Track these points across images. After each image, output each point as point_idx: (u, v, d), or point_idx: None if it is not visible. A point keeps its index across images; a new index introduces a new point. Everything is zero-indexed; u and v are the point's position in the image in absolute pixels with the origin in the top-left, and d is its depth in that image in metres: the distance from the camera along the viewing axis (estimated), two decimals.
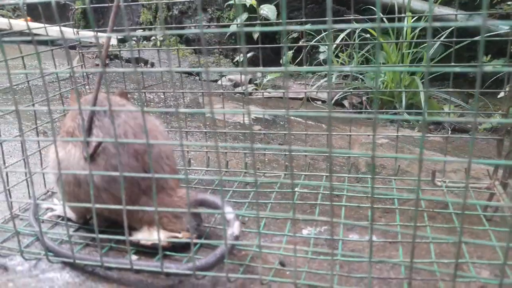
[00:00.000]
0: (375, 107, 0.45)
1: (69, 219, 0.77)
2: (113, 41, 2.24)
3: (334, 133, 1.12)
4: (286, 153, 1.05)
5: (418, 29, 1.55)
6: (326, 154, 1.11)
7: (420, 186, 0.91)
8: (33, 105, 0.81)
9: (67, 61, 1.00)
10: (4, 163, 0.65)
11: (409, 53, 1.52)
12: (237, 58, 2.32)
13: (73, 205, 0.71)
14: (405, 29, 1.52)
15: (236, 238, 0.61)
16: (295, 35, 2.12)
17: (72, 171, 0.66)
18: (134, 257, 0.69)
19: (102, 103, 0.72)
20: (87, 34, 1.32)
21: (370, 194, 0.48)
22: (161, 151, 0.71)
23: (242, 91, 1.92)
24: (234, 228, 0.61)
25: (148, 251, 0.69)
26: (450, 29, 1.41)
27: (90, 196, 0.57)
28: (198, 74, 2.20)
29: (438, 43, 1.47)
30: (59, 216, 0.80)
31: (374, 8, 1.64)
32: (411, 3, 1.53)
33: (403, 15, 1.09)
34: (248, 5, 2.07)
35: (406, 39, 1.48)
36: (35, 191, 0.87)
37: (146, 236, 0.69)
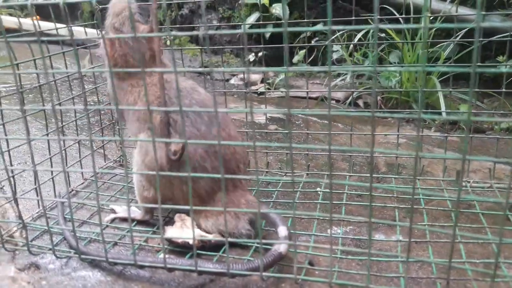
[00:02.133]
0: (420, 107, 0.45)
1: (132, 219, 0.79)
2: None
3: (356, 133, 1.12)
4: (307, 152, 1.05)
5: (434, 28, 1.55)
6: (349, 154, 1.10)
7: (446, 186, 0.91)
8: (60, 104, 0.81)
9: (89, 60, 1.00)
10: (33, 162, 0.65)
11: (424, 52, 1.51)
12: (248, 57, 2.32)
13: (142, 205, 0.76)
14: (422, 29, 1.51)
15: (280, 255, 0.62)
16: (307, 33, 2.11)
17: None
18: (163, 255, 0.69)
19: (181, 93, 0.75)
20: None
21: (411, 195, 0.48)
22: (236, 150, 0.75)
23: (255, 90, 1.92)
24: (281, 247, 0.62)
25: (177, 249, 0.70)
26: (466, 29, 1.40)
27: (168, 185, 0.68)
28: (209, 73, 2.20)
29: (454, 42, 1.46)
30: (122, 218, 0.81)
31: (388, 7, 1.63)
32: (427, 2, 1.52)
33: (419, 15, 1.09)
34: (260, 4, 2.06)
35: (422, 39, 1.48)
36: (59, 191, 0.87)
37: (178, 233, 0.69)
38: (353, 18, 0.92)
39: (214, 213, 0.72)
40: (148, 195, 0.75)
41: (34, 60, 0.74)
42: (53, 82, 0.84)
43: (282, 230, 0.66)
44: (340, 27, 0.46)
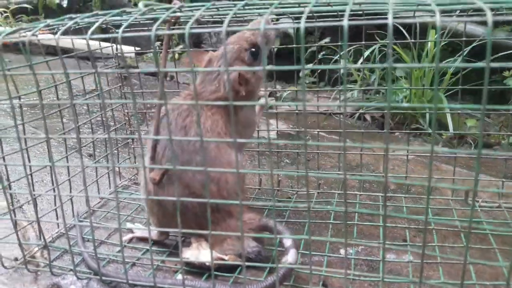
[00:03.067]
0: (434, 127, 0.47)
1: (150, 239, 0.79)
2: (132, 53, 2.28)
3: (367, 152, 1.14)
4: (318, 171, 1.07)
5: (441, 44, 1.57)
6: (360, 174, 1.12)
7: (454, 205, 0.93)
8: (79, 128, 0.84)
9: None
10: (54, 183, 0.68)
11: (431, 68, 1.53)
12: None
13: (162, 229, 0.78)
14: (428, 44, 1.53)
15: (289, 265, 0.63)
16: (313, 48, 2.14)
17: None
18: (180, 276, 0.71)
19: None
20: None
21: (424, 217, 0.49)
22: (221, 188, 0.73)
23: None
24: (289, 256, 0.63)
25: (194, 270, 0.72)
26: (473, 44, 1.43)
27: (166, 216, 0.66)
28: None
29: (461, 58, 1.48)
30: (139, 238, 0.83)
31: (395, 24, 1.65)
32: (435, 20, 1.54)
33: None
34: None
35: (428, 54, 1.50)
36: (76, 210, 0.90)
37: (195, 254, 0.71)
38: (363, 42, 0.94)
39: (217, 240, 0.73)
40: (155, 222, 0.77)
41: (56, 86, 0.77)
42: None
43: (287, 241, 0.68)
44: (356, 65, 0.48)
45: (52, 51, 0.92)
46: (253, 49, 0.76)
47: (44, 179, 1.08)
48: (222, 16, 0.80)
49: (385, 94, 1.68)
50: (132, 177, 1.08)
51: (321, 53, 2.03)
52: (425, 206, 0.93)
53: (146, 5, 0.65)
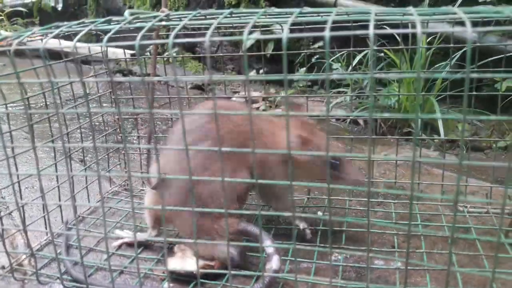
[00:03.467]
0: (416, 134, 0.47)
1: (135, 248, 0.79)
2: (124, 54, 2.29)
3: (357, 158, 1.14)
4: None
5: (433, 49, 1.58)
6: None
7: (444, 210, 0.93)
8: (68, 133, 0.84)
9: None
10: (41, 191, 0.68)
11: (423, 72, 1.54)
12: (250, 74, 2.35)
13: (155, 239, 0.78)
14: (419, 49, 1.54)
15: (275, 272, 0.63)
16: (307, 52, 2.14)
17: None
18: (167, 285, 0.71)
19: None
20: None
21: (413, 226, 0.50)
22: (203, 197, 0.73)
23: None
24: (273, 263, 0.63)
25: (181, 278, 0.72)
26: (463, 50, 1.43)
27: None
28: (211, 90, 2.23)
29: (449, 65, 1.49)
30: (128, 244, 0.83)
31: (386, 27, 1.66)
32: (428, 25, 1.55)
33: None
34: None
35: (420, 59, 1.51)
36: (66, 217, 0.89)
37: (179, 262, 0.71)
38: (351, 49, 0.95)
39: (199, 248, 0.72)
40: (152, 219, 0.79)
41: (44, 93, 0.77)
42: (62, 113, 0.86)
43: (269, 248, 0.67)
44: (339, 75, 0.49)
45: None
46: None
47: (34, 185, 1.07)
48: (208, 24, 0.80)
49: (378, 98, 1.68)
50: (123, 183, 1.08)
51: (315, 57, 2.03)
52: (414, 212, 0.94)
53: (132, 14, 0.65)
